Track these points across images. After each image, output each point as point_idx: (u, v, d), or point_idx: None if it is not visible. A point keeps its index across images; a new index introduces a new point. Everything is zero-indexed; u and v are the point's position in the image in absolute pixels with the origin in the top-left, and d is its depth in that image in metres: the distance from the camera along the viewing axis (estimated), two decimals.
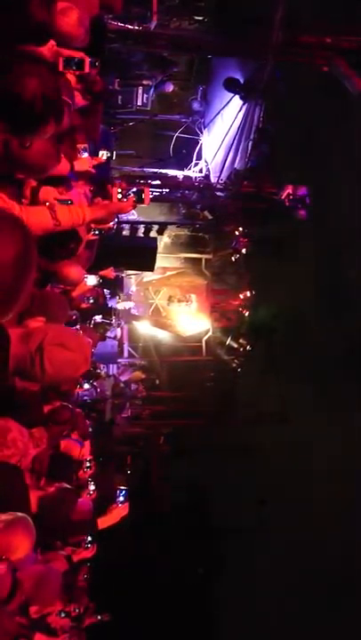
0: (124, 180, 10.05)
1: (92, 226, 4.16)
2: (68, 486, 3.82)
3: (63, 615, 4.82)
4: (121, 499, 4.27)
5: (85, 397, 11.94)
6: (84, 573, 7.59)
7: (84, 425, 6.30)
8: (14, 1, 3.02)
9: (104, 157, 4.12)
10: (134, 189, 3.22)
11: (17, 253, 1.56)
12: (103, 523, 4.31)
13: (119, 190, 3.19)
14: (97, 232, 4.31)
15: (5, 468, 2.93)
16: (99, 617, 7.27)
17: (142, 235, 12.78)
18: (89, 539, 4.72)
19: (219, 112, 13.27)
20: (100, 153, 4.13)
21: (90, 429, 7.94)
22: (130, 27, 10.24)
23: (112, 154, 4.16)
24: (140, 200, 3.20)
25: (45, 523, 3.27)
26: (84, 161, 4.01)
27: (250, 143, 11.70)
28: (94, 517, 4.40)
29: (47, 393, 4.82)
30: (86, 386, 5.45)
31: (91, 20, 4.60)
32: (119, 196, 3.18)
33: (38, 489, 3.68)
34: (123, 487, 4.45)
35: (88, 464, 5.66)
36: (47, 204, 2.80)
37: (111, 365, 13.26)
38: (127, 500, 4.29)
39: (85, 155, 4.03)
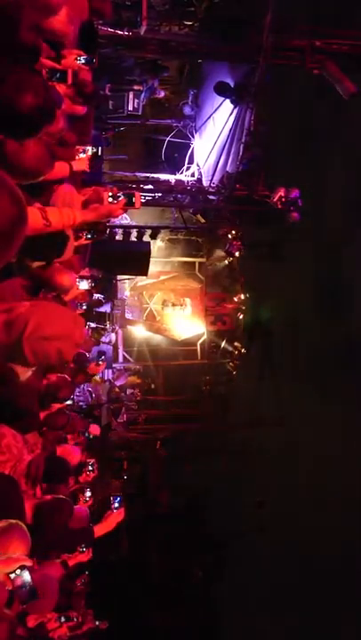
0: (115, 185, 10.08)
1: (82, 235, 4.17)
2: (64, 497, 3.78)
3: (63, 620, 4.79)
4: (116, 505, 4.26)
5: (81, 403, 11.91)
6: (81, 579, 7.56)
7: (81, 424, 6.26)
8: (3, 27, 3.03)
9: (89, 153, 4.08)
10: (125, 193, 3.24)
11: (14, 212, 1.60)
12: (99, 530, 4.29)
13: (110, 194, 3.21)
14: (89, 236, 4.30)
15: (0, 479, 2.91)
16: (97, 623, 7.24)
17: (135, 239, 12.77)
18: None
19: (210, 116, 13.29)
20: (86, 148, 4.09)
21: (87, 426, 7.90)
22: (120, 32, 10.25)
23: (98, 150, 4.14)
24: (130, 203, 3.22)
25: (41, 533, 3.25)
26: (83, 160, 4.01)
27: (241, 146, 11.70)
28: (90, 525, 4.38)
29: (45, 399, 4.81)
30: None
31: (82, 25, 4.62)
32: (110, 199, 3.19)
33: (34, 497, 3.65)
34: (116, 494, 4.44)
35: (91, 467, 5.60)
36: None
37: (106, 370, 13.23)
38: (122, 505, 4.28)
39: (83, 155, 4.02)
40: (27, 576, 2.52)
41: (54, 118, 2.49)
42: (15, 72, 2.33)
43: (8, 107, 2.22)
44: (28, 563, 2.59)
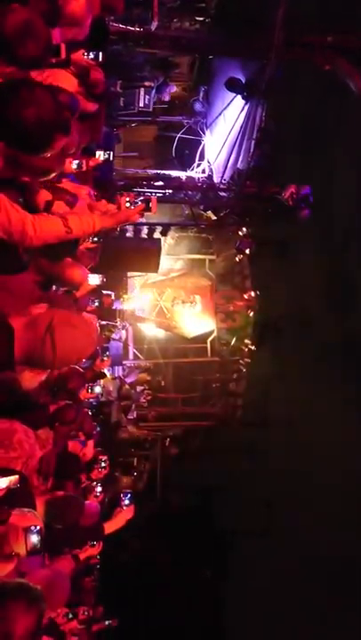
0: (129, 187, 10.12)
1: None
2: (74, 493, 3.79)
3: (71, 617, 4.80)
4: (126, 502, 4.26)
5: (91, 400, 11.92)
6: (92, 575, 7.58)
7: (90, 424, 6.27)
8: None
9: (101, 158, 4.05)
10: (142, 199, 3.28)
11: None
12: (109, 527, 4.29)
13: (127, 200, 3.24)
14: (96, 239, 4.30)
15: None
16: (107, 622, 7.26)
17: (146, 236, 12.77)
18: None
19: (221, 112, 13.24)
20: (98, 154, 4.06)
21: (97, 429, 7.93)
22: (131, 28, 10.24)
23: (110, 155, 4.10)
24: (147, 209, 3.25)
25: (52, 529, 3.26)
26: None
27: (252, 143, 11.65)
28: (101, 521, 4.38)
29: (56, 393, 4.81)
30: (97, 389, 5.45)
31: (93, 21, 4.62)
32: (127, 204, 3.23)
33: (45, 492, 3.66)
34: (127, 490, 4.45)
35: (103, 463, 5.65)
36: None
37: (116, 367, 13.24)
38: (132, 502, 4.28)
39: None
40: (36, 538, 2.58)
41: (68, 130, 2.55)
42: (25, 86, 2.38)
43: (17, 123, 2.31)
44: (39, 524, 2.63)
